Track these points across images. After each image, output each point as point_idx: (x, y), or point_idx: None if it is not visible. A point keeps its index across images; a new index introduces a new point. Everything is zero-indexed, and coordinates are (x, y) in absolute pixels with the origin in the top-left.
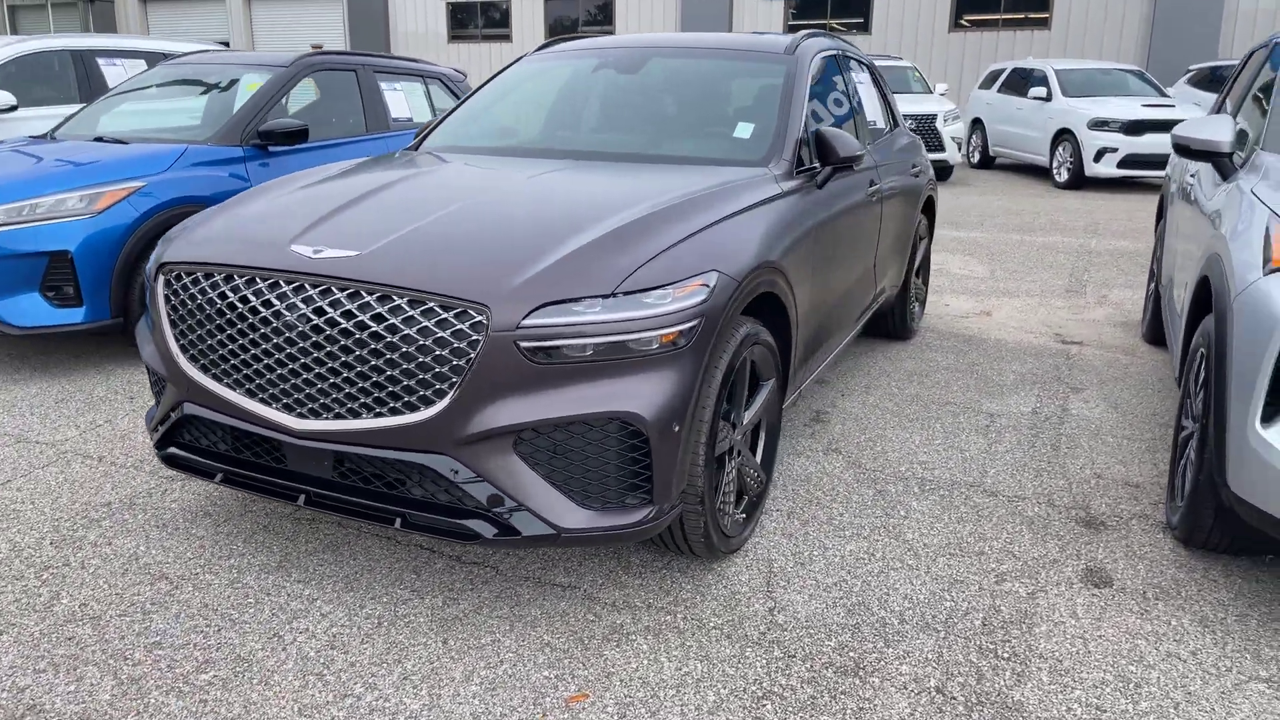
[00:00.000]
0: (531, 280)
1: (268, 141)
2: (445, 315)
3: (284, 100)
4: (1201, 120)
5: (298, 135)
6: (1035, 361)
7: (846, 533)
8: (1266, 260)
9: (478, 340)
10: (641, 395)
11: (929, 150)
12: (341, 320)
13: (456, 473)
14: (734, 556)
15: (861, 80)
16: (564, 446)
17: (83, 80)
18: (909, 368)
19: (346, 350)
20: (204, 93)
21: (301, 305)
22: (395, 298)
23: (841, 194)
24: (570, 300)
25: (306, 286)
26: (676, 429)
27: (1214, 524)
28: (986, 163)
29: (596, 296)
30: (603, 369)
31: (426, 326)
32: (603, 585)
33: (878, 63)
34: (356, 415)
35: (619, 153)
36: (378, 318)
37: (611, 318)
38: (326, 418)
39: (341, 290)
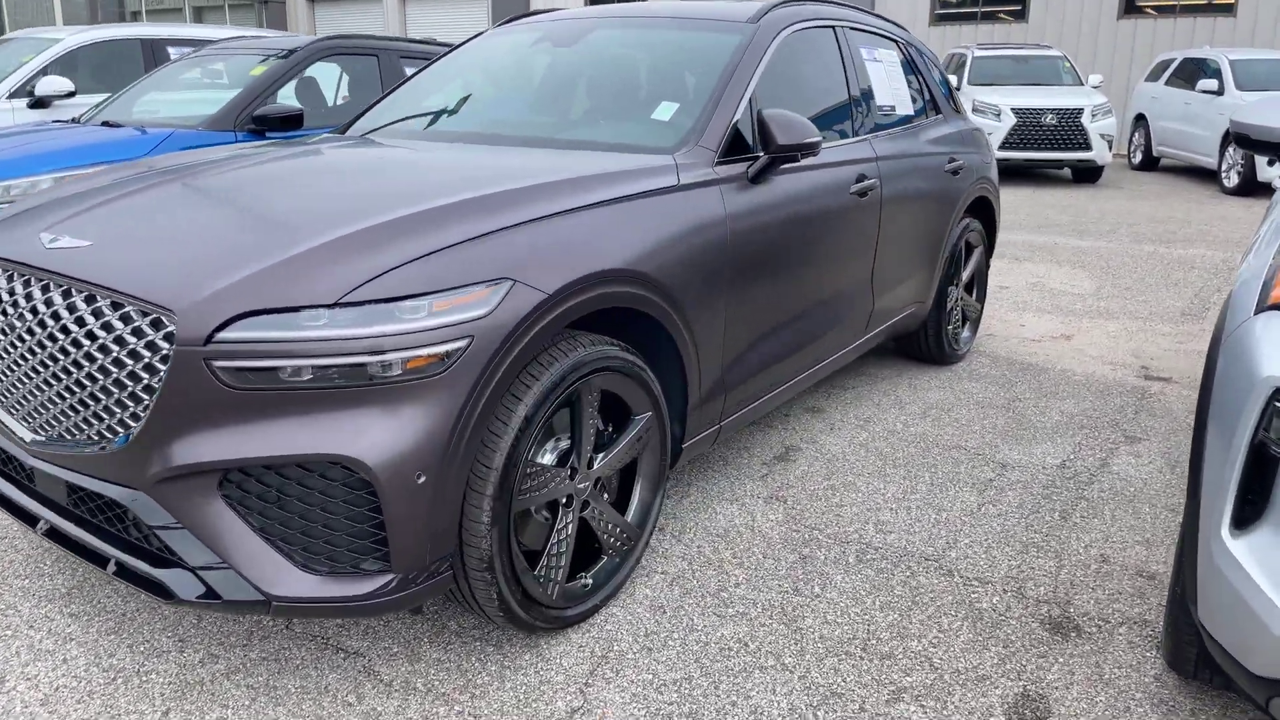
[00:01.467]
0: (238, 283)
1: (263, 126)
2: (139, 322)
3: (319, 85)
4: (1269, 101)
5: (294, 121)
6: (1095, 400)
7: (730, 610)
8: (1265, 294)
9: (168, 354)
10: (369, 434)
11: (1072, 149)
12: (51, 322)
13: (154, 515)
14: (573, 630)
15: (875, 59)
16: (282, 494)
17: (150, 67)
18: (931, 400)
19: (54, 358)
20: (227, 79)
21: (24, 302)
22: (99, 298)
23: (801, 191)
24: (286, 309)
25: (32, 281)
26: (421, 480)
27: (1198, 654)
28: (1150, 164)
29: (322, 306)
30: (326, 399)
31: (122, 335)
32: (394, 656)
33: (1024, 52)
34: (70, 434)
35: (517, 136)
36: (80, 321)
37: (338, 334)
38: (49, 435)
39: (57, 288)
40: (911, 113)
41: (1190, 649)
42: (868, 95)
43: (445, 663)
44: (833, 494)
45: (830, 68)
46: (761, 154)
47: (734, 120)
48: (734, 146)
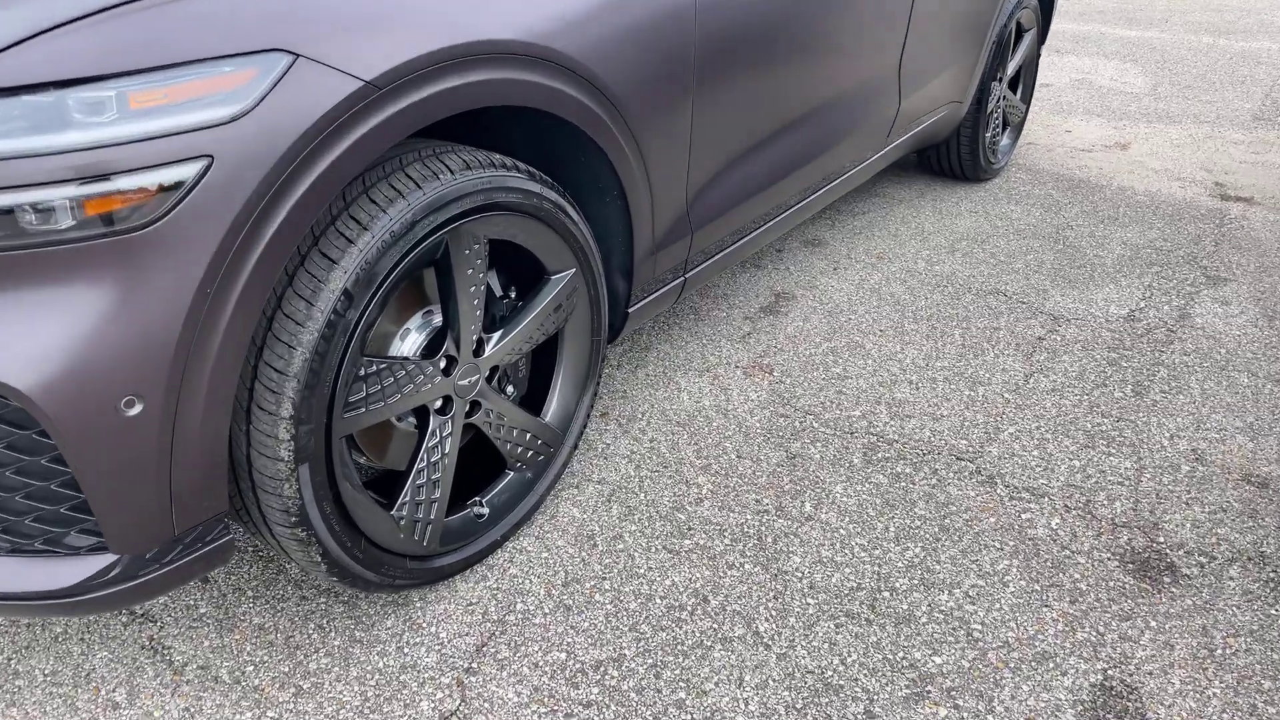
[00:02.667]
0: None
1: None
2: None
3: None
4: None
5: None
6: (1165, 227)
7: (687, 543)
8: None
9: None
10: (23, 341)
11: None
12: None
13: None
14: (461, 579)
15: None
16: None
17: None
18: (961, 229)
19: None
20: None
21: None
22: None
23: None
24: None
25: None
26: (134, 409)
27: None
28: None
29: None
30: None
31: None
32: (198, 623)
33: None
34: None
35: None
36: None
37: None
38: None
39: None
40: None
41: None
42: None
43: (269, 633)
44: (834, 360)
45: None
46: None
47: None
48: None
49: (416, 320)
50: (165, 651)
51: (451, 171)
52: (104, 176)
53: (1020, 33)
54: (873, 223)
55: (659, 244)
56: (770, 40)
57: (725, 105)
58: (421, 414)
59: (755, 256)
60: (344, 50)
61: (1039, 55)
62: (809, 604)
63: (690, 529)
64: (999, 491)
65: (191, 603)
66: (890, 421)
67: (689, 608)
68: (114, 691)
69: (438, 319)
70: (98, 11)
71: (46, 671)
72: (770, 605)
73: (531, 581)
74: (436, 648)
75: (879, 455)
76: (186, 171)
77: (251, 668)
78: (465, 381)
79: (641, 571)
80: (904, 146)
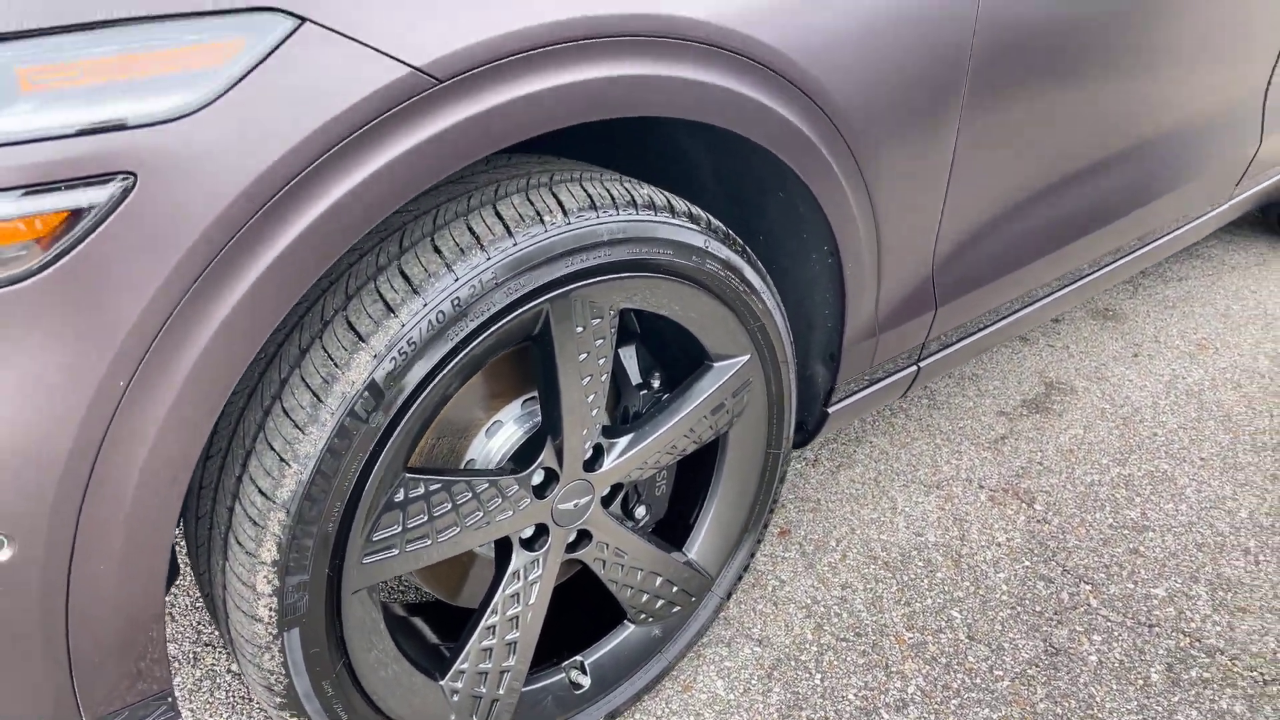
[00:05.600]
0: None
1: None
2: None
3: None
4: None
5: None
6: None
7: None
8: None
9: None
10: None
11: None
12: None
13: None
14: None
15: None
16: None
17: None
18: None
19: None
20: None
21: None
22: None
23: None
24: None
25: None
26: (5, 553)
27: None
28: None
29: None
30: None
31: None
32: None
33: None
34: None
35: None
36: None
37: None
38: None
39: None
40: None
41: None
42: None
43: None
44: (1128, 497)
45: None
46: None
47: None
48: None
49: (514, 410)
50: None
51: (565, 211)
52: None
53: None
54: (1192, 294)
55: (885, 322)
56: (1080, 46)
57: (1007, 134)
58: (502, 542)
59: None
60: (381, 19)
61: None
62: None
63: None
64: None
65: None
66: (1212, 615)
67: None
68: None
69: (532, 412)
70: None
71: None
72: None
73: None
74: None
75: (1193, 672)
76: (89, 198)
77: None
78: (569, 505)
79: None
80: (1254, 199)
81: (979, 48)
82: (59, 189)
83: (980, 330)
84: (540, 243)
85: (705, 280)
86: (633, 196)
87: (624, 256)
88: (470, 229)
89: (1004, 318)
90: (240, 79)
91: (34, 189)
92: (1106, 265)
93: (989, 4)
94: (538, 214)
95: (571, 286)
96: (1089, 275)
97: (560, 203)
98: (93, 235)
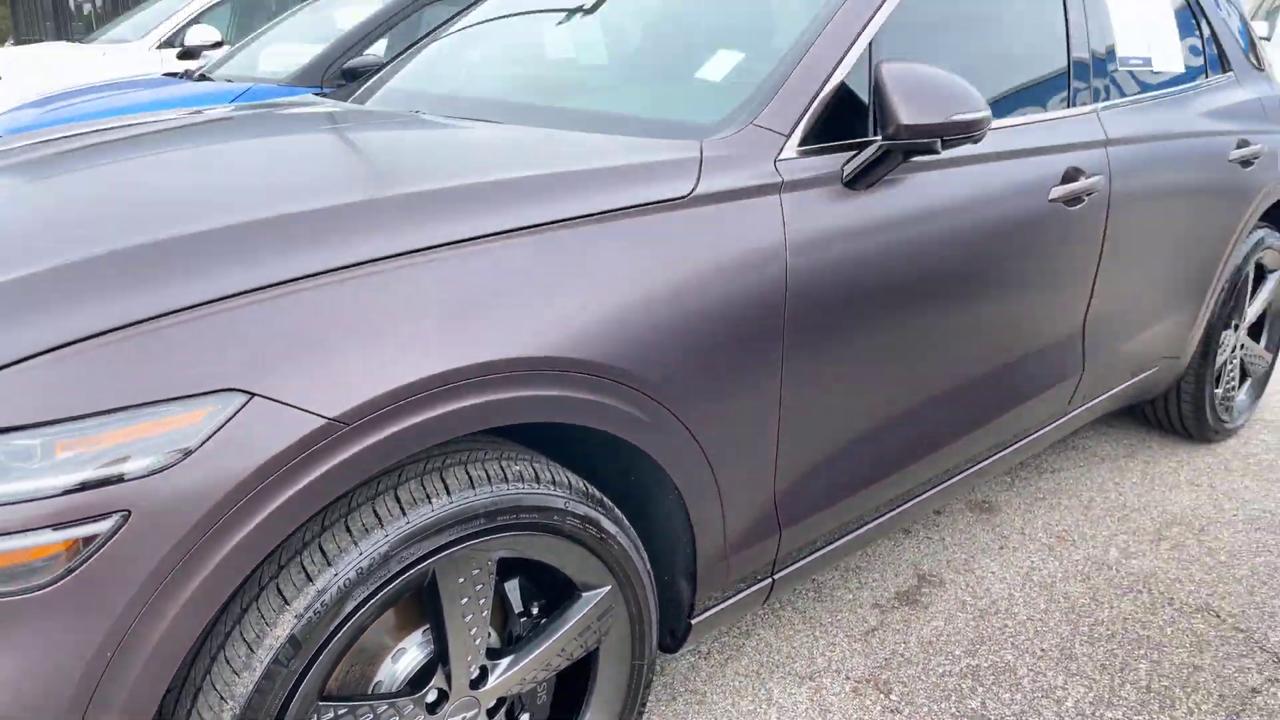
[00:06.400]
0: None
1: (352, 80)
2: None
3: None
4: None
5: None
6: None
7: None
8: None
9: None
10: None
11: None
12: None
13: None
14: None
15: None
16: None
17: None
18: (1176, 508)
19: None
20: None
21: None
22: None
23: (950, 200)
24: None
25: None
26: None
27: None
28: None
29: None
30: None
31: None
32: None
33: None
34: None
35: (512, 102)
36: None
37: None
38: None
39: None
40: (1180, 70)
41: None
42: (1101, 41)
43: None
44: (972, 688)
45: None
46: (877, 139)
47: (828, 82)
48: (833, 127)
49: (416, 637)
50: None
51: (449, 492)
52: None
53: (1263, 274)
54: (1061, 486)
55: (734, 546)
56: (891, 313)
57: (832, 377)
58: None
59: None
60: (304, 385)
61: None
62: None
63: None
64: None
65: None
66: None
67: None
68: None
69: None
70: (36, 354)
71: None
72: None
73: None
74: None
75: None
76: (97, 529)
77: None
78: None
79: None
80: (1096, 410)
81: (792, 312)
82: (78, 524)
83: (831, 544)
84: (428, 519)
85: (567, 531)
86: (505, 473)
87: (498, 522)
88: (375, 511)
89: (857, 529)
90: (208, 438)
91: (61, 525)
92: (955, 477)
93: (801, 286)
94: (427, 496)
95: (454, 550)
96: (938, 487)
97: (446, 485)
98: (98, 554)
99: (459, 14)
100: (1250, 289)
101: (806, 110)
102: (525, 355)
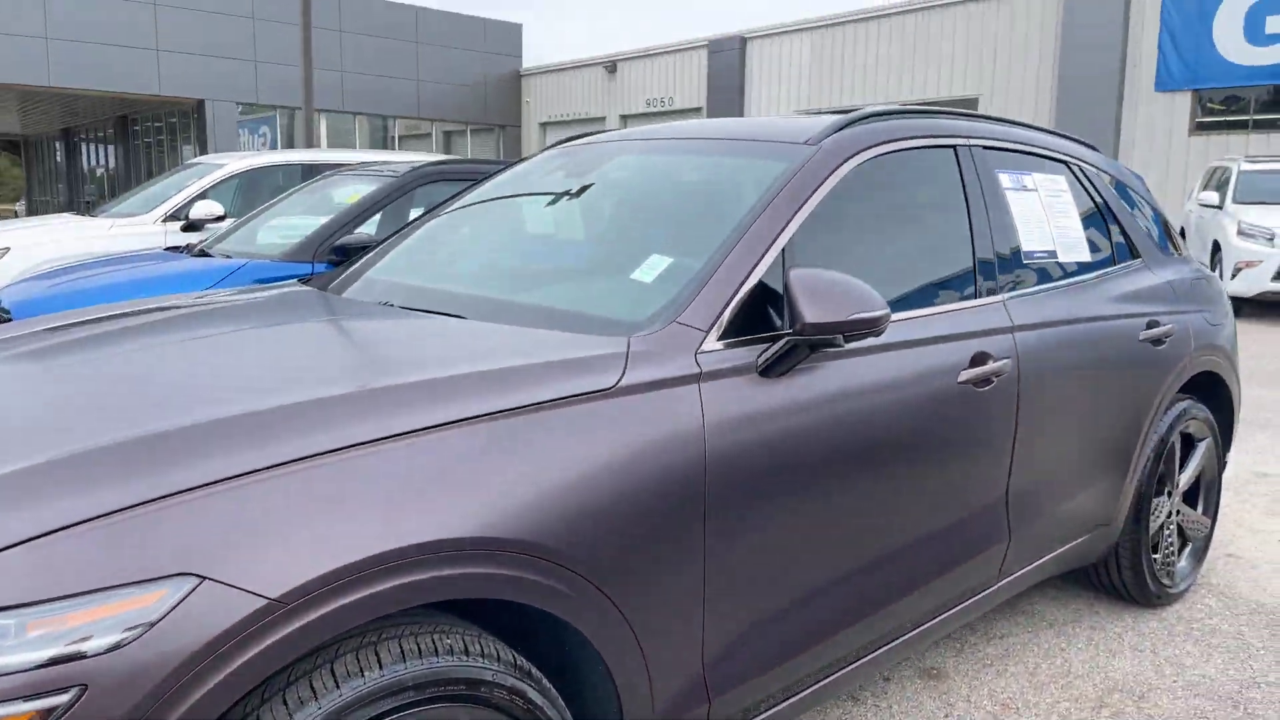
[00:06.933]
0: None
1: (344, 258)
2: None
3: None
4: None
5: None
6: None
7: None
8: None
9: None
10: None
11: None
12: None
13: None
14: None
15: (1024, 187)
16: None
17: None
18: (1119, 674)
19: None
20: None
21: None
22: None
23: (859, 384)
24: None
25: None
26: None
27: None
28: None
29: None
30: None
31: None
32: None
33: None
34: None
35: (471, 296)
36: None
37: None
38: None
39: None
40: (1087, 260)
41: None
42: (1004, 238)
43: None
44: None
45: (941, 201)
46: (788, 333)
47: (746, 284)
48: (752, 321)
49: None
50: None
51: (382, 666)
52: None
53: (1191, 443)
54: (1009, 652)
55: (661, 715)
56: (809, 490)
57: (757, 552)
58: None
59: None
60: (249, 569)
61: (1223, 464)
62: None
63: None
64: None
65: None
66: None
67: None
68: None
69: None
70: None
71: None
72: None
73: None
74: None
75: None
76: (57, 700)
77: None
78: None
79: None
80: (1030, 578)
81: (712, 491)
82: (40, 697)
83: (770, 709)
84: (360, 692)
85: (495, 703)
86: (436, 646)
87: (427, 694)
88: (310, 685)
89: (790, 697)
90: (163, 616)
91: (27, 697)
92: (887, 645)
93: (721, 467)
94: (360, 669)
95: None
96: (871, 655)
97: (379, 658)
98: None
99: (441, 205)
100: (1180, 456)
101: (724, 308)
102: (458, 536)
